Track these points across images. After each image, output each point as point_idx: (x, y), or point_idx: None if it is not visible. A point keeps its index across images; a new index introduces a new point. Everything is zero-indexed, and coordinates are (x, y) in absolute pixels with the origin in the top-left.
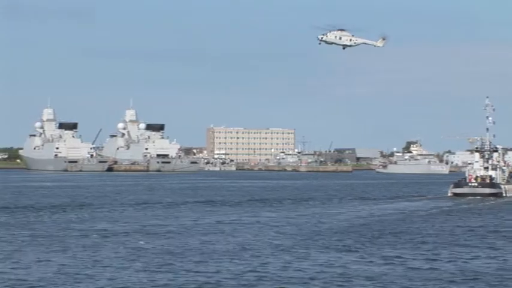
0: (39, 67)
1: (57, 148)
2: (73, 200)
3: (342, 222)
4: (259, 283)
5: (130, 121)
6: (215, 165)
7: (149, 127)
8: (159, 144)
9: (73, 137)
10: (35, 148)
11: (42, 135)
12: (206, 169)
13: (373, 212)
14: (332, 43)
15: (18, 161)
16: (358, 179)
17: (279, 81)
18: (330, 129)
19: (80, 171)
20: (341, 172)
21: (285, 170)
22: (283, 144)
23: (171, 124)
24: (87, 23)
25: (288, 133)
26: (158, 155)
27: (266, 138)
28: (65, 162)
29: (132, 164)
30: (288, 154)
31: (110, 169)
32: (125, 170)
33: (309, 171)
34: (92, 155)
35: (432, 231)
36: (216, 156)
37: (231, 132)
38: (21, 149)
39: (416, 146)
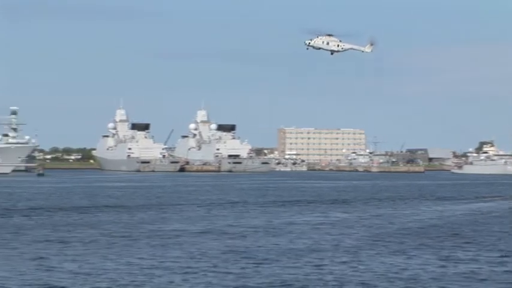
0: (112, 69)
1: (129, 149)
2: (145, 200)
3: (414, 223)
4: (332, 285)
5: (202, 122)
6: (286, 166)
7: (220, 128)
8: (230, 145)
9: (145, 137)
10: (108, 149)
11: (115, 136)
12: (277, 170)
13: (447, 213)
14: (320, 48)
15: (91, 161)
16: (431, 180)
17: (349, 82)
18: (402, 129)
19: (152, 171)
20: (413, 173)
21: (356, 171)
22: (354, 144)
23: (242, 125)
24: (159, 24)
25: (359, 133)
26: (229, 156)
27: (337, 138)
28: (138, 162)
29: (203, 164)
30: (360, 154)
31: (181, 169)
32: (197, 171)
33: (381, 171)
34: (164, 156)
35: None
36: (287, 156)
37: (302, 133)
38: (95, 149)
39: (490, 146)
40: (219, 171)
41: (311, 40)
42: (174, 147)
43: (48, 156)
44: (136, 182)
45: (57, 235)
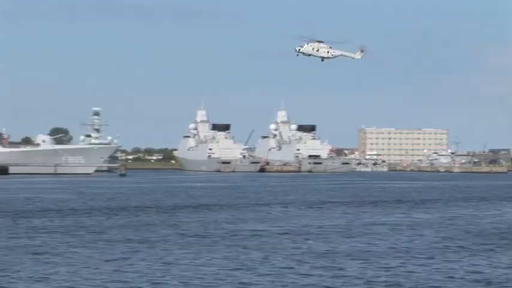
0: (193, 70)
1: (210, 149)
2: (225, 200)
3: (497, 224)
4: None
5: (282, 122)
6: (367, 166)
7: (301, 128)
8: (310, 145)
9: (226, 138)
10: (189, 149)
11: (196, 137)
12: (357, 170)
13: None
14: (310, 55)
15: (172, 161)
16: None
17: (431, 81)
18: (484, 129)
19: (233, 171)
20: (495, 173)
21: (438, 171)
22: (435, 144)
23: (322, 125)
24: (240, 25)
25: (441, 133)
26: (310, 156)
27: (419, 138)
28: (218, 163)
29: (283, 164)
30: (441, 155)
31: (261, 170)
32: (277, 171)
33: (463, 172)
34: (244, 156)
35: None
36: (367, 157)
37: (383, 133)
38: (176, 150)
39: None
40: (299, 171)
41: (301, 47)
42: (254, 148)
43: (130, 157)
44: (216, 182)
45: (138, 235)
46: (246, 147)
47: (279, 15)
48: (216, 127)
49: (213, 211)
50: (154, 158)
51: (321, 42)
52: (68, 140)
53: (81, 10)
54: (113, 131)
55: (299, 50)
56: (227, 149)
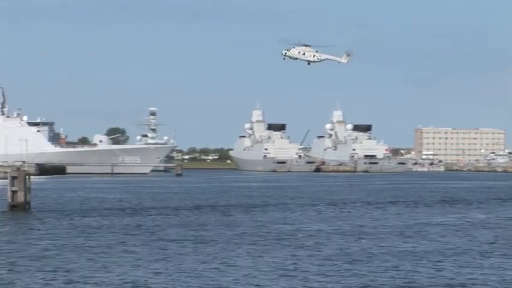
0: (249, 69)
1: (266, 149)
2: (280, 200)
3: None
4: None
5: (338, 122)
6: (423, 166)
7: (356, 128)
8: (366, 145)
9: (281, 138)
10: (244, 149)
11: (252, 137)
12: (414, 170)
13: None
14: (296, 58)
15: (228, 161)
16: None
17: (488, 80)
18: None
19: (288, 171)
20: None
21: (495, 171)
22: (492, 144)
23: (378, 125)
24: (295, 24)
25: (498, 133)
26: (365, 156)
27: (475, 138)
28: (274, 162)
29: (339, 164)
30: (498, 155)
31: (317, 170)
32: (332, 171)
33: None
34: (299, 156)
35: None
36: (424, 157)
37: (440, 133)
38: (232, 149)
39: None
40: (355, 171)
41: (288, 50)
42: (310, 148)
43: (186, 157)
44: (271, 182)
45: (192, 234)
46: (302, 147)
47: (328, 12)
48: (271, 127)
49: (268, 211)
50: (210, 158)
51: (308, 46)
52: (125, 140)
53: (139, 10)
54: (169, 131)
55: (285, 53)
56: (283, 149)
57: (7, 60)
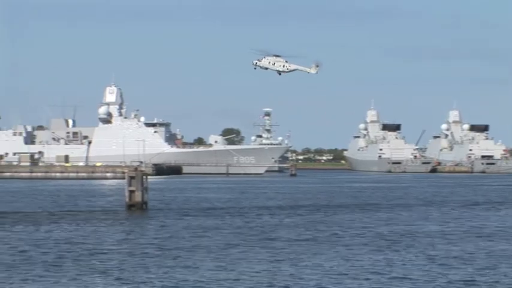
0: (363, 70)
1: (380, 149)
2: (393, 201)
3: None
4: None
5: (454, 122)
6: None
7: (473, 128)
8: (483, 146)
9: (396, 138)
10: (359, 149)
11: (366, 137)
12: None
13: None
14: (267, 68)
15: (342, 162)
16: None
17: None
18: None
19: (403, 172)
20: None
21: None
22: None
23: (496, 124)
24: (412, 23)
25: None
26: (482, 156)
27: None
28: (389, 163)
29: (455, 165)
30: None
31: (433, 170)
32: (449, 172)
33: None
34: (415, 156)
35: None
36: None
37: None
38: (346, 150)
39: None
40: (471, 172)
41: (258, 60)
42: (425, 148)
43: (300, 157)
44: (386, 183)
45: (306, 234)
46: (417, 147)
47: (429, 13)
48: (386, 127)
49: (383, 211)
50: (324, 158)
51: (278, 56)
52: (240, 141)
53: (275, 12)
54: (283, 132)
55: (256, 63)
56: (398, 149)
57: (124, 61)
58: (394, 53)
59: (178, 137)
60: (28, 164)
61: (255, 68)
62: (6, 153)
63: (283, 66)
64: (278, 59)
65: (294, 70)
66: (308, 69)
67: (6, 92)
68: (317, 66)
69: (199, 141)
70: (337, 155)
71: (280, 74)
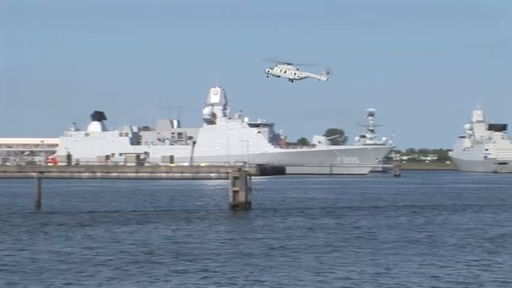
0: (468, 70)
1: (486, 150)
2: (493, 202)
3: None
4: None
5: None
6: None
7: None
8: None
9: (503, 138)
10: (464, 150)
11: (472, 137)
12: None
13: None
14: (279, 76)
15: (447, 162)
16: None
17: None
18: None
19: (510, 173)
20: None
21: None
22: None
23: None
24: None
25: None
26: None
27: None
28: (495, 163)
29: None
30: None
31: None
32: None
33: None
34: None
35: None
36: None
37: None
38: (451, 150)
39: None
40: None
41: (271, 68)
42: None
43: (405, 158)
44: (492, 183)
45: (406, 235)
46: None
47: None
48: (492, 127)
49: (483, 212)
50: (428, 158)
51: (290, 64)
52: (343, 141)
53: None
54: (387, 132)
55: (268, 71)
56: (504, 149)
57: (228, 62)
58: (500, 54)
59: (282, 137)
60: (134, 164)
61: (267, 76)
62: (113, 154)
63: (295, 74)
64: (289, 67)
65: (305, 77)
66: (319, 77)
67: (112, 93)
68: (328, 73)
69: (303, 142)
70: (442, 155)
71: (292, 81)
